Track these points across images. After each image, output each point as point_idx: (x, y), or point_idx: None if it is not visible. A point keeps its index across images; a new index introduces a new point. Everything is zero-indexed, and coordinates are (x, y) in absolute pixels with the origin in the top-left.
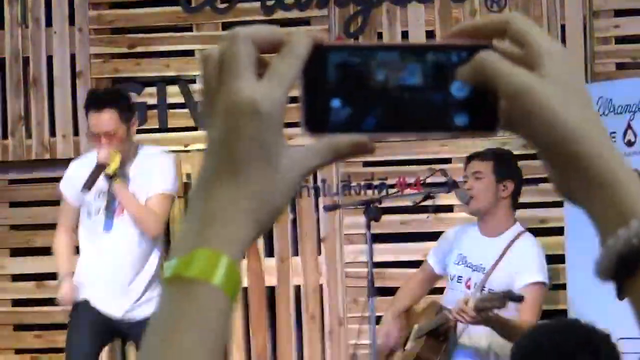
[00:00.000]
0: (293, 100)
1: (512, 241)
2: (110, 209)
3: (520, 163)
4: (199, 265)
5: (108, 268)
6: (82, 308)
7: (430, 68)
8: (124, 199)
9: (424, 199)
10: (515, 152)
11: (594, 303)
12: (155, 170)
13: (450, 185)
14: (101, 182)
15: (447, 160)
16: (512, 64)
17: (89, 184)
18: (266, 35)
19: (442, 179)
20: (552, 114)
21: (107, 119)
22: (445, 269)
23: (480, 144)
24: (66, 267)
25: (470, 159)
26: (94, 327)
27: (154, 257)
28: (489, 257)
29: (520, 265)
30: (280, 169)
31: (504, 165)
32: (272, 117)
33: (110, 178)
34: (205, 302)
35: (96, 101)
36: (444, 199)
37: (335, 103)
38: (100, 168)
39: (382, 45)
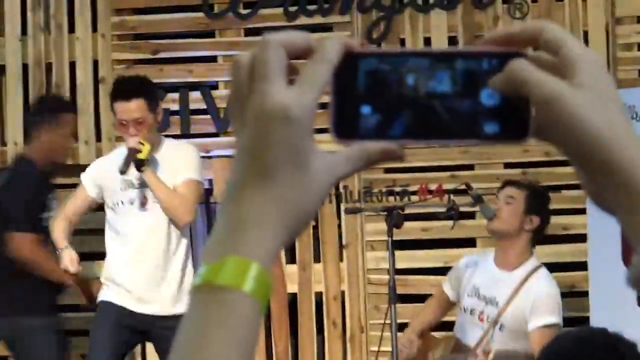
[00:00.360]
0: (322, 106)
1: (527, 277)
2: (140, 200)
3: (543, 170)
4: (230, 273)
5: (139, 258)
6: (106, 311)
7: (461, 75)
8: (154, 186)
9: (448, 211)
10: (538, 160)
11: (617, 310)
12: (181, 159)
13: (475, 199)
14: (128, 174)
15: (470, 167)
16: (543, 72)
17: (125, 167)
18: (297, 41)
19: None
20: (582, 122)
21: (135, 107)
22: (459, 298)
23: (505, 152)
24: (62, 242)
25: (506, 184)
26: (118, 331)
27: (182, 248)
28: (503, 291)
29: (535, 304)
30: (310, 175)
31: (537, 200)
32: (302, 122)
33: (141, 166)
34: (236, 309)
35: (124, 91)
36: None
37: (365, 109)
38: (133, 153)
39: (413, 52)
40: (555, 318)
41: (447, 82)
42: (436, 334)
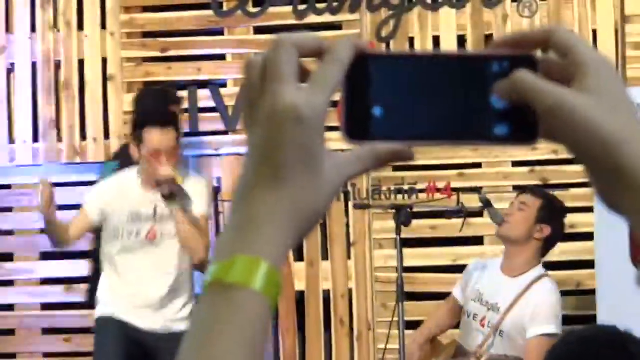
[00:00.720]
0: (333, 104)
1: (531, 284)
2: (147, 233)
3: (551, 168)
4: (240, 271)
5: (143, 292)
6: (110, 324)
7: (471, 78)
8: (181, 219)
9: (457, 213)
10: (546, 158)
11: (624, 308)
12: (197, 193)
13: (484, 204)
14: (137, 205)
15: (478, 165)
16: (546, 81)
17: (177, 193)
18: (309, 42)
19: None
20: (589, 129)
21: (170, 136)
22: (465, 302)
23: (513, 150)
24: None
25: (524, 191)
26: (121, 344)
27: (187, 273)
28: (506, 298)
29: (534, 312)
30: (321, 175)
31: (550, 211)
32: (313, 123)
33: (173, 197)
34: (245, 307)
35: (161, 119)
36: (474, 203)
37: (376, 111)
38: (170, 182)
39: (424, 54)
40: (553, 328)
41: (457, 85)
42: (443, 339)
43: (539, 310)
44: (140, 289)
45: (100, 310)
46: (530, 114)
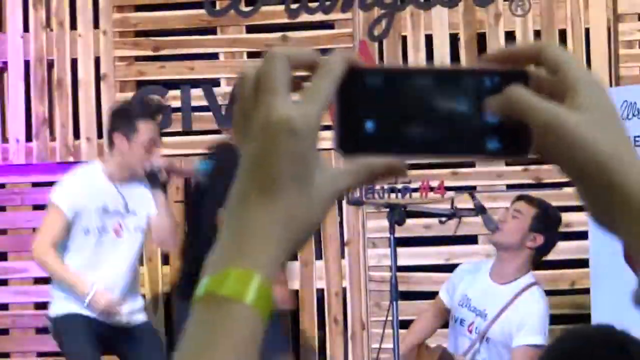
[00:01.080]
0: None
1: (519, 293)
2: (114, 228)
3: (545, 167)
4: (232, 284)
5: (109, 284)
6: (79, 322)
7: (463, 92)
8: (166, 207)
9: (450, 217)
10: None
11: (618, 307)
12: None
13: (478, 210)
14: (105, 200)
15: (471, 164)
16: (541, 98)
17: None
18: (302, 55)
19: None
20: (583, 147)
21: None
22: (452, 305)
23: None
24: (86, 279)
25: (519, 198)
26: (93, 341)
27: (138, 270)
28: (494, 305)
29: (522, 321)
30: (314, 187)
31: (544, 220)
32: (307, 135)
33: (163, 185)
34: (237, 320)
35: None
36: (466, 202)
37: (369, 125)
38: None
39: (417, 69)
40: (539, 339)
41: (450, 99)
42: (431, 343)
43: (526, 319)
44: (109, 280)
45: (62, 308)
46: (523, 129)
